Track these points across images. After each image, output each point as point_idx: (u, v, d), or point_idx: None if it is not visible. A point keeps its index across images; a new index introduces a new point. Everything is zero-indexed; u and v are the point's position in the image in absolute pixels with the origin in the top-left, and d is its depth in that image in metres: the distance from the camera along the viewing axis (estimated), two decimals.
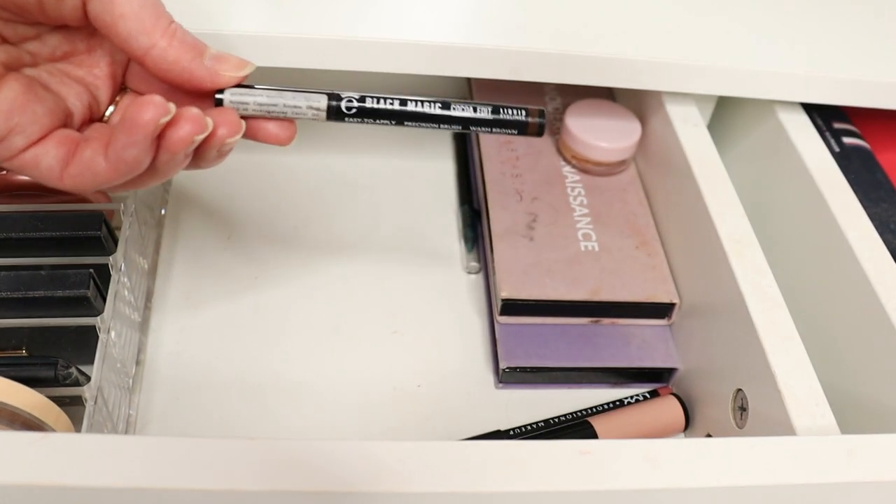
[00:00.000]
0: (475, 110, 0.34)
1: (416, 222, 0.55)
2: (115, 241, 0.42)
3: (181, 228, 0.53)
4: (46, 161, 0.31)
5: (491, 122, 0.34)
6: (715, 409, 0.42)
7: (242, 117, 0.34)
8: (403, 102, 0.34)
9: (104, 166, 0.31)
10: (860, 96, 0.48)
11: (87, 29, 0.33)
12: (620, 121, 0.53)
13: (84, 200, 0.44)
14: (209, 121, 0.32)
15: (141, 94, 0.35)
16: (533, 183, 0.52)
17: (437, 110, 0.34)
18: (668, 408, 0.45)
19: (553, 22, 0.47)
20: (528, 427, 0.43)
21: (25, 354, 0.40)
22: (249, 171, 0.57)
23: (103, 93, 0.35)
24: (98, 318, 0.38)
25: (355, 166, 0.59)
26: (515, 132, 0.35)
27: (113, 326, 0.39)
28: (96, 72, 0.34)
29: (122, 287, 0.42)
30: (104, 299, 0.40)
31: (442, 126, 0.34)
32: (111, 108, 0.35)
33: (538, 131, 0.35)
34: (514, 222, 0.49)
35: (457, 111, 0.34)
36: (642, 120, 0.53)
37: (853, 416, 0.41)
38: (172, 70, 0.32)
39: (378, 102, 0.34)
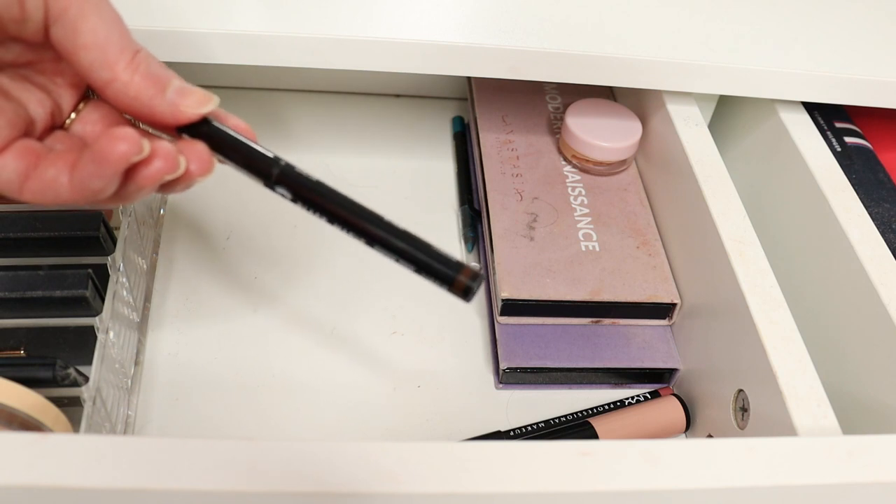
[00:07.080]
0: (402, 243, 0.31)
1: (416, 222, 0.55)
2: (114, 241, 0.42)
3: (180, 228, 0.53)
4: (5, 174, 0.30)
5: (420, 264, 0.32)
6: (716, 410, 0.42)
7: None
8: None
9: (67, 188, 0.30)
10: (862, 95, 0.48)
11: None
12: (621, 120, 0.53)
13: None
14: (182, 161, 0.30)
15: (105, 103, 0.34)
16: (533, 183, 0.52)
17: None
18: (669, 408, 0.44)
19: (553, 21, 0.47)
20: (529, 427, 0.43)
21: (24, 355, 0.40)
22: None
23: (66, 100, 0.33)
24: (96, 318, 0.38)
25: (355, 166, 0.59)
26: (441, 284, 0.31)
27: (111, 327, 0.39)
28: (59, 80, 0.33)
29: (120, 287, 0.42)
30: (103, 299, 0.40)
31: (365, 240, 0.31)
32: (73, 115, 0.34)
33: (464, 294, 0.31)
34: (515, 222, 0.49)
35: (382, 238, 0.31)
36: (643, 119, 0.53)
37: (855, 417, 0.41)
38: (132, 105, 0.31)
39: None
